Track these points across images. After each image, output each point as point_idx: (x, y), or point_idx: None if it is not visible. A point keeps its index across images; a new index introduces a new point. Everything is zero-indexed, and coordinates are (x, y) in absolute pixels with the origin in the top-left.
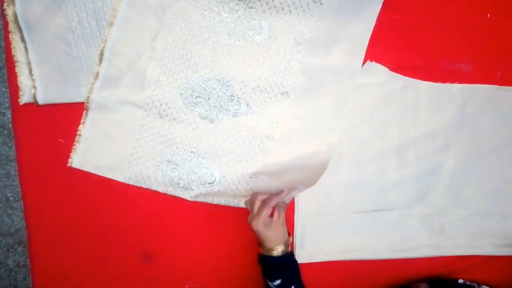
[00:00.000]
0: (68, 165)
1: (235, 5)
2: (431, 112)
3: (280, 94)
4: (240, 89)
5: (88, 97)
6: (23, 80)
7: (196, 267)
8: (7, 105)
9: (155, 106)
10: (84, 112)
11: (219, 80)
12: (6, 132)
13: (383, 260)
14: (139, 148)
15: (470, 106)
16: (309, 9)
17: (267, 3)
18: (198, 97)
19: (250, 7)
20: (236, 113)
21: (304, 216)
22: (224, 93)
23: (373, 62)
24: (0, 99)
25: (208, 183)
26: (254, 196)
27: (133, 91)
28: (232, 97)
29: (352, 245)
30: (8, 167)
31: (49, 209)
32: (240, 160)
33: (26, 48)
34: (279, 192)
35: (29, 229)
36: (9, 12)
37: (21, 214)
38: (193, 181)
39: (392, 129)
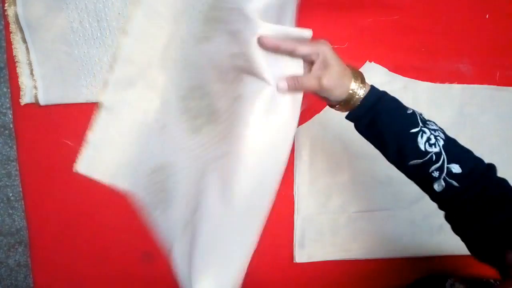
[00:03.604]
0: (74, 170)
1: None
2: (431, 112)
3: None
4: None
5: (99, 103)
6: (24, 80)
7: None
8: (8, 105)
9: (161, 118)
10: (94, 117)
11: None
12: (7, 132)
13: (383, 259)
14: (143, 156)
15: (470, 106)
16: None
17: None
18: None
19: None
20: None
21: (304, 216)
22: None
23: (373, 63)
24: (1, 99)
25: None
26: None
27: (142, 100)
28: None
29: (352, 244)
30: (9, 167)
31: (50, 209)
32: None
33: (27, 49)
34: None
35: (30, 229)
36: (10, 12)
37: (22, 214)
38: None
39: None
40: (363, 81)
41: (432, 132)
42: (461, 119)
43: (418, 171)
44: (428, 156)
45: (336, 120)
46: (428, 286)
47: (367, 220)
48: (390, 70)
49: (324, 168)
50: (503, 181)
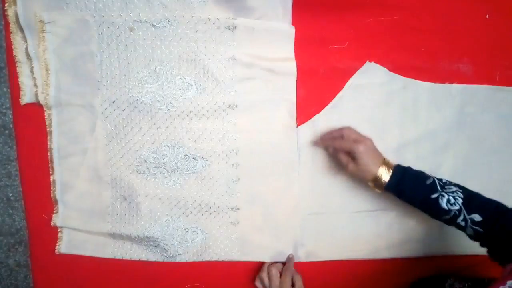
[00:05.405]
0: (56, 252)
1: (156, 72)
2: (431, 112)
3: (231, 135)
4: (191, 146)
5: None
6: (24, 80)
7: (196, 267)
8: (8, 105)
9: (119, 189)
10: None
11: (168, 146)
12: (7, 132)
13: (383, 259)
14: (115, 225)
15: (470, 106)
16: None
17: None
18: (155, 167)
19: (172, 67)
20: (195, 169)
21: (304, 216)
22: (178, 155)
23: (372, 63)
24: (1, 99)
25: (192, 241)
26: (267, 269)
27: (92, 183)
28: (186, 156)
29: (352, 244)
30: (9, 167)
31: (50, 208)
32: (214, 211)
33: (27, 48)
34: (288, 258)
35: (30, 229)
36: (10, 12)
37: (22, 214)
38: (178, 246)
39: (392, 129)
40: (389, 168)
41: (450, 194)
42: (461, 119)
43: (450, 223)
44: (452, 213)
45: (336, 120)
46: (428, 285)
47: (367, 220)
48: (390, 70)
49: (324, 167)
50: None
